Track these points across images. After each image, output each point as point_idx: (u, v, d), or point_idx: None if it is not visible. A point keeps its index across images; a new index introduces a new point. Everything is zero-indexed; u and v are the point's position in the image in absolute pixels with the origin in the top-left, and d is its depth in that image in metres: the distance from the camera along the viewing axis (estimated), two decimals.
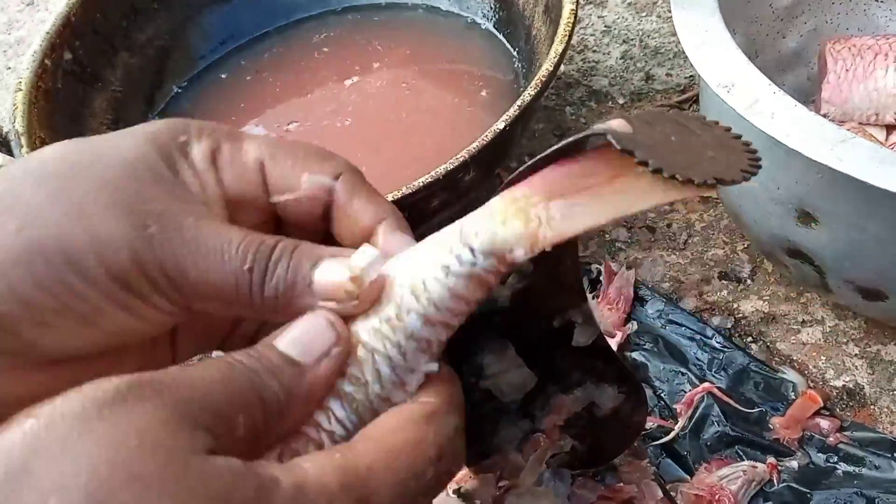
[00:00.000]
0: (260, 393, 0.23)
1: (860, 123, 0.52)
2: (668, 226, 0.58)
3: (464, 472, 0.36)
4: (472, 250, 0.26)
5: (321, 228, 0.29)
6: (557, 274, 0.32)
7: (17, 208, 0.24)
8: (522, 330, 0.30)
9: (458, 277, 0.26)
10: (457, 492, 0.37)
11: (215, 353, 0.32)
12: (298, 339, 0.25)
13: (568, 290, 0.32)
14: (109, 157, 0.25)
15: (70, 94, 0.61)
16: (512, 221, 0.26)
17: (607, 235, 0.58)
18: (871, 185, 0.34)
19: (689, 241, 0.57)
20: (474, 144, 0.46)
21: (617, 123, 0.27)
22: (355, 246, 0.27)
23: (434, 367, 0.27)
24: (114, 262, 0.24)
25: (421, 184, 0.45)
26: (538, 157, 0.28)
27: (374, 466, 0.23)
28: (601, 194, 0.26)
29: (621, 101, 0.67)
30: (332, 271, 0.25)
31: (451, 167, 0.45)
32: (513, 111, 0.47)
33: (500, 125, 0.47)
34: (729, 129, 0.29)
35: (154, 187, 0.25)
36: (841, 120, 0.52)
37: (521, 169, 0.28)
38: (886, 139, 0.52)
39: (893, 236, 0.38)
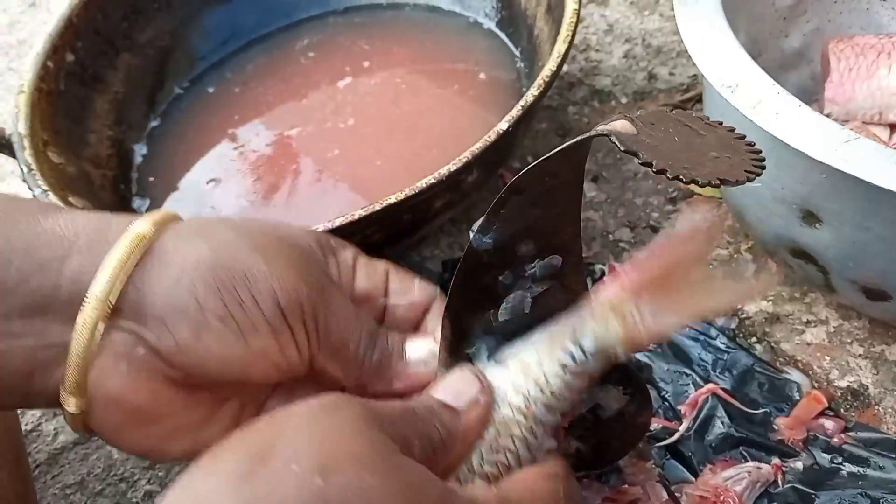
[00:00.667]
0: (427, 429, 0.28)
1: (864, 122, 0.52)
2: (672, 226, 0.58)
3: None
4: (583, 351, 0.31)
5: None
6: (567, 283, 0.32)
7: (210, 237, 0.30)
8: (531, 333, 0.31)
9: (574, 374, 0.31)
10: None
11: None
12: (450, 388, 0.30)
13: (574, 295, 0.32)
14: (283, 231, 0.32)
15: (72, 95, 0.61)
16: (612, 323, 0.30)
17: (610, 236, 0.58)
18: (876, 185, 0.34)
19: None
20: (477, 145, 0.46)
21: (621, 125, 0.27)
22: None
23: (554, 443, 0.32)
24: (282, 293, 0.29)
25: (424, 185, 0.45)
26: (543, 157, 0.28)
27: (523, 501, 0.29)
28: (683, 296, 0.30)
29: (624, 100, 0.67)
30: (419, 343, 0.33)
31: (455, 168, 0.45)
32: (516, 112, 0.47)
33: (503, 126, 0.46)
34: (733, 130, 0.29)
35: (314, 262, 0.32)
36: (844, 119, 0.52)
37: (525, 170, 0.28)
38: (890, 138, 0.52)
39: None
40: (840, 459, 0.44)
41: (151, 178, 0.63)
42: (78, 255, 0.29)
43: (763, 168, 0.26)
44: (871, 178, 0.34)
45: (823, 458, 0.44)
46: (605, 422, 0.38)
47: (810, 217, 0.41)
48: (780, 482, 0.43)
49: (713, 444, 0.45)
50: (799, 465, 0.44)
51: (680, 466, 0.45)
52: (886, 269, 0.41)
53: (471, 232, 0.29)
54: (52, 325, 0.29)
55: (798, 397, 0.47)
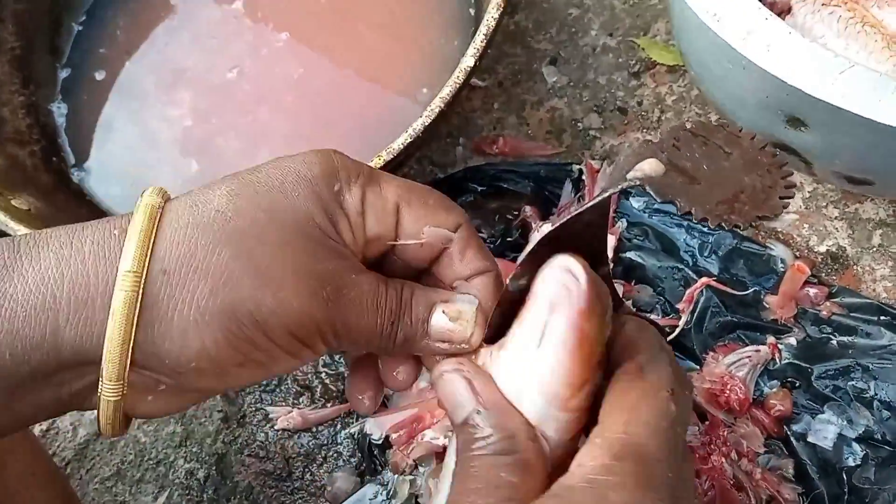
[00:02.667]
0: None
1: None
2: (640, 104, 0.57)
3: None
4: None
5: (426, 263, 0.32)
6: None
7: (206, 270, 0.27)
8: None
9: None
10: None
11: None
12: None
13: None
14: (283, 216, 0.29)
15: None
16: None
17: (579, 124, 0.57)
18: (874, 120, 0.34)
19: (663, 118, 0.56)
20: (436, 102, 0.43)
21: (649, 166, 0.26)
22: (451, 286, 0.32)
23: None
24: (296, 323, 0.28)
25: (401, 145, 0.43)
26: (573, 213, 0.27)
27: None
28: None
29: None
30: (443, 322, 0.31)
31: (429, 121, 0.43)
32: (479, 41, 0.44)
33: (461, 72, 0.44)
34: (753, 137, 0.28)
35: (323, 248, 0.29)
36: None
37: (556, 226, 0.27)
38: None
39: (885, 140, 0.39)
40: (829, 330, 0.47)
41: (81, 141, 0.58)
42: (68, 328, 0.27)
43: (793, 194, 0.26)
44: (872, 115, 0.33)
45: (813, 330, 0.48)
46: None
47: (796, 122, 0.41)
48: (777, 360, 0.47)
49: (711, 333, 0.49)
50: (792, 340, 0.48)
51: (684, 358, 0.48)
52: (872, 166, 0.42)
53: (507, 280, 0.28)
54: (67, 375, 0.28)
55: (783, 269, 0.50)
